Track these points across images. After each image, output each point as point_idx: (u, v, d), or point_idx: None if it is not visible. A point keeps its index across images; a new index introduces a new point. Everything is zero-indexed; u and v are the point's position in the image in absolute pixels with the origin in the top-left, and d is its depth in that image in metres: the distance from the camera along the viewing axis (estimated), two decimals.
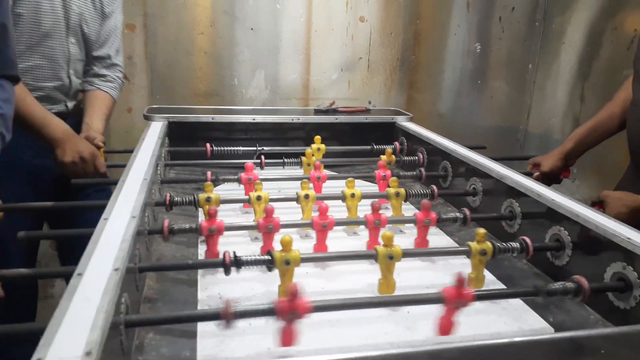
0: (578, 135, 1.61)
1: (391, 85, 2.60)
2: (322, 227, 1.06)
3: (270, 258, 0.84)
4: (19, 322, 0.66)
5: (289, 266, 0.85)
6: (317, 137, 1.61)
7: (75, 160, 1.42)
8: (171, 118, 1.72)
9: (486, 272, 1.04)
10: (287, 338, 0.67)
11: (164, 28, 2.28)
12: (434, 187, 1.31)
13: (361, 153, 1.75)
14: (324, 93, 2.51)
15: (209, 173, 1.34)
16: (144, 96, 2.32)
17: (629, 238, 0.85)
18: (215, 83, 2.39)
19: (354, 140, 1.80)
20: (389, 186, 1.28)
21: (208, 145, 1.60)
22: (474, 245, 0.93)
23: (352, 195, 1.21)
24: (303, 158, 1.54)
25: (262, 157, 1.56)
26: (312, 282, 0.96)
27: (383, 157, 1.54)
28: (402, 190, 1.24)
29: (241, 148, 1.63)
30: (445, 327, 0.73)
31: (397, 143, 1.77)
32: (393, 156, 1.57)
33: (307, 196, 1.19)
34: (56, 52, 1.57)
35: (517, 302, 0.92)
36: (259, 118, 1.82)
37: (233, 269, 0.85)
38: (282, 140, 1.86)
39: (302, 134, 1.86)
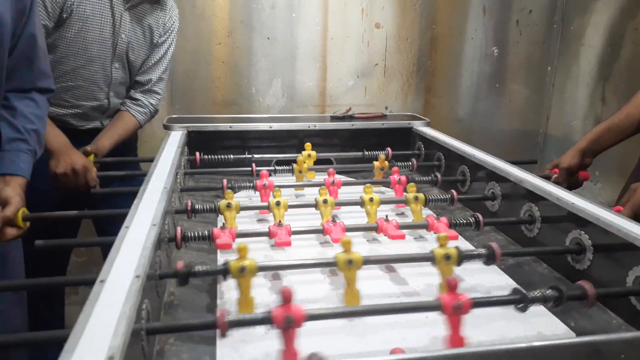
0: (593, 134, 1.58)
1: (408, 90, 2.59)
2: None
3: (225, 268, 0.83)
4: (47, 328, 0.68)
5: (243, 274, 0.83)
6: (308, 144, 1.61)
7: (67, 172, 1.45)
8: (190, 127, 1.75)
9: (506, 278, 1.03)
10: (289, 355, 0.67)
11: (182, 39, 2.32)
12: (454, 191, 1.30)
13: (354, 159, 1.74)
14: (341, 100, 2.52)
15: (224, 181, 1.35)
16: (164, 106, 2.36)
17: None
18: (233, 92, 2.42)
19: (370, 147, 1.80)
20: (406, 191, 1.28)
21: (198, 154, 1.61)
22: (437, 250, 0.90)
23: (371, 199, 1.21)
24: (295, 165, 1.53)
25: (275, 165, 1.56)
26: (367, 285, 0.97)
27: (376, 163, 1.54)
28: (421, 195, 1.24)
29: (255, 155, 1.65)
30: (455, 340, 0.71)
31: (389, 149, 1.74)
32: (386, 162, 1.57)
33: (325, 201, 1.20)
34: (98, 75, 1.62)
35: (539, 307, 0.90)
36: (276, 126, 1.83)
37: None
38: (299, 147, 1.87)
39: (319, 140, 1.87)
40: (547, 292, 0.76)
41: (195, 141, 1.75)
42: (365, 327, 0.82)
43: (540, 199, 1.12)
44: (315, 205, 1.20)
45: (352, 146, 1.85)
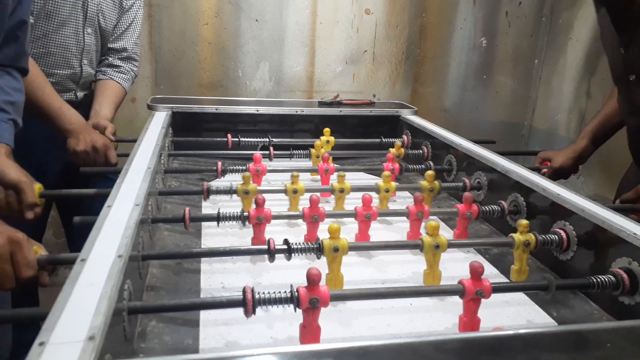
0: (590, 133, 1.56)
1: (396, 78, 2.58)
2: (366, 218, 1.06)
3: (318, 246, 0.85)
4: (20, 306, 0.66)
5: (337, 253, 0.85)
6: (327, 130, 1.61)
7: (87, 150, 1.43)
8: (175, 108, 1.71)
9: (489, 266, 1.04)
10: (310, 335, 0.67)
11: (169, 18, 2.27)
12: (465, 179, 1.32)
13: (369, 146, 1.75)
14: (329, 86, 2.50)
15: (219, 163, 1.33)
16: (148, 86, 2.32)
17: (635, 233, 0.84)
18: (219, 74, 2.38)
19: (358, 133, 1.80)
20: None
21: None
22: (517, 237, 0.94)
23: (387, 190, 1.22)
24: (312, 150, 1.54)
25: (271, 148, 1.55)
26: (354, 271, 0.97)
27: (392, 150, 1.54)
28: (436, 184, 1.26)
29: (246, 139, 1.63)
30: (468, 323, 0.74)
31: (405, 136, 1.76)
32: (402, 149, 1.58)
33: (342, 190, 1.20)
34: (70, 41, 1.58)
35: (521, 297, 0.91)
36: (263, 109, 1.81)
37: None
38: (286, 132, 1.85)
39: (306, 126, 1.85)
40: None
41: (180, 122, 1.71)
42: (350, 313, 0.82)
43: (527, 190, 1.13)
44: (332, 191, 1.21)
45: (340, 133, 1.84)
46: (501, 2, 2.60)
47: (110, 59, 1.72)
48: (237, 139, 1.61)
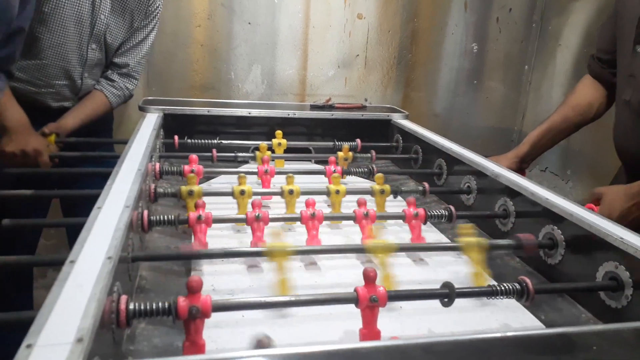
0: (533, 139, 1.62)
1: (388, 83, 2.60)
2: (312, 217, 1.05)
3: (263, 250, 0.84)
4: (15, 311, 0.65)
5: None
6: (279, 132, 1.60)
7: (15, 153, 1.41)
8: (167, 110, 1.71)
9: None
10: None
11: (161, 20, 2.24)
12: (426, 184, 1.31)
13: (323, 149, 1.72)
14: (321, 89, 2.51)
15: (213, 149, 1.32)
16: (140, 88, 2.30)
17: (621, 238, 0.85)
18: (211, 76, 2.38)
19: (349, 137, 1.80)
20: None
21: (177, 137, 1.57)
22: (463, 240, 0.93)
23: (337, 191, 1.20)
24: (257, 153, 1.50)
25: (214, 150, 1.49)
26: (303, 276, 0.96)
27: (340, 153, 1.53)
28: (387, 187, 1.24)
29: (236, 141, 1.63)
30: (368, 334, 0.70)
31: (358, 140, 1.72)
32: (350, 153, 1.55)
33: (291, 191, 1.18)
34: (73, 55, 1.59)
35: (509, 300, 0.92)
36: (255, 112, 1.81)
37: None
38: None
39: (298, 129, 1.86)
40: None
41: (172, 124, 1.71)
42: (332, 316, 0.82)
43: (516, 194, 1.14)
44: (281, 194, 1.19)
45: (331, 136, 1.85)
46: (492, 8, 2.63)
47: (109, 72, 1.73)
48: (228, 141, 1.61)
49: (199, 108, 1.79)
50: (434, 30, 2.61)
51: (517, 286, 0.78)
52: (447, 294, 0.74)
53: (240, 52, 2.38)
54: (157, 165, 1.30)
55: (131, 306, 0.66)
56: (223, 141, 1.58)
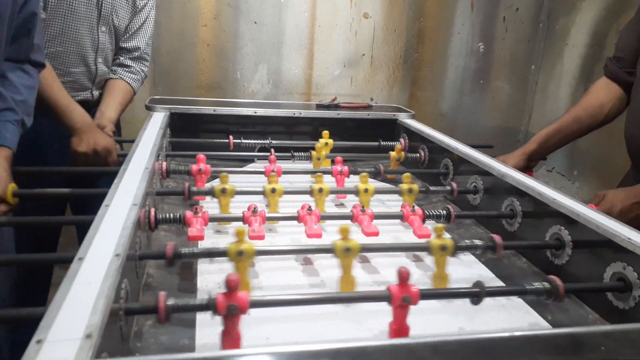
0: (541, 137, 1.61)
1: (394, 82, 2.59)
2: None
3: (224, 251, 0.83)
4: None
5: (241, 257, 0.83)
6: (325, 132, 1.61)
7: (88, 152, 1.43)
8: (173, 109, 1.72)
9: (485, 270, 1.04)
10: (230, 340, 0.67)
11: (168, 19, 2.27)
12: (454, 184, 1.32)
13: (368, 149, 1.75)
14: (326, 89, 2.51)
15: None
16: (146, 87, 2.32)
17: (629, 238, 0.85)
18: (217, 76, 2.39)
19: (355, 136, 1.80)
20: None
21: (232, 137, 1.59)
22: (433, 241, 0.91)
23: (366, 190, 1.21)
24: (313, 152, 1.54)
25: (272, 150, 1.54)
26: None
27: (392, 153, 1.55)
28: (415, 187, 1.25)
29: (245, 141, 1.63)
30: (398, 331, 0.72)
31: (402, 140, 1.77)
32: (402, 152, 1.58)
33: (320, 190, 1.19)
34: (85, 39, 1.60)
35: (517, 300, 0.92)
36: (261, 111, 1.81)
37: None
38: (283, 134, 1.85)
39: (304, 128, 1.86)
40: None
41: (178, 123, 1.72)
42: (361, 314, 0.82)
43: (523, 194, 1.13)
44: (310, 193, 1.20)
45: (337, 135, 1.84)
46: (499, 8, 2.62)
47: (121, 58, 1.74)
48: (239, 140, 1.62)
49: (205, 107, 1.79)
50: (441, 29, 2.60)
51: (547, 285, 0.79)
52: (477, 293, 0.76)
53: (247, 51, 2.38)
54: (164, 164, 1.30)
55: (169, 302, 0.66)
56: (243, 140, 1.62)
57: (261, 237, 1.00)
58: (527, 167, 1.59)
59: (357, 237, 0.90)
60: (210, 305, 0.65)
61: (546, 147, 1.62)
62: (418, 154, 1.65)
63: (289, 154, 1.56)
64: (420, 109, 2.50)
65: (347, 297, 0.81)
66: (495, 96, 2.74)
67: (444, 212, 1.14)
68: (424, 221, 1.12)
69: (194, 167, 1.30)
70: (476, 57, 2.66)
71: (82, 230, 1.78)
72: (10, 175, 1.06)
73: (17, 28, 1.12)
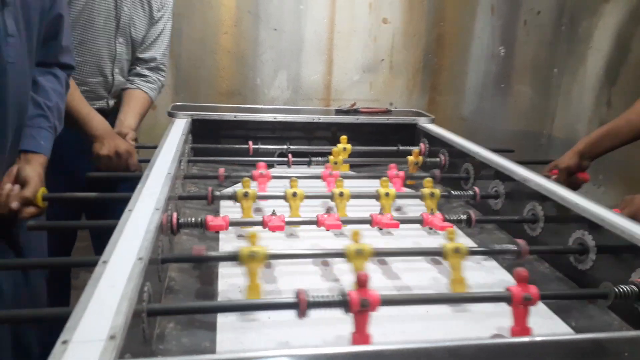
0: (592, 138, 1.58)
1: (413, 87, 2.59)
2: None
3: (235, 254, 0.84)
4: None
5: (253, 259, 0.83)
6: (343, 137, 1.61)
7: (110, 155, 1.47)
8: (195, 115, 1.74)
9: (507, 275, 1.03)
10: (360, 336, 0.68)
11: (189, 27, 2.31)
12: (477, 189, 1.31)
13: (386, 153, 1.75)
14: (346, 94, 2.51)
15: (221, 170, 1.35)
16: (169, 94, 2.36)
17: None
18: (238, 82, 2.41)
19: (374, 141, 1.80)
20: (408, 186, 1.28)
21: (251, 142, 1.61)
22: (446, 245, 0.90)
23: (387, 194, 1.21)
24: (330, 157, 1.55)
25: (290, 155, 1.56)
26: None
27: (410, 157, 1.54)
28: (436, 191, 1.24)
29: (262, 146, 1.65)
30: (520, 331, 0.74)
31: (422, 144, 1.76)
32: (420, 157, 1.58)
33: (341, 194, 1.20)
34: (103, 50, 1.63)
35: (539, 306, 0.90)
36: (281, 117, 1.83)
37: None
38: (303, 139, 1.87)
39: (323, 133, 1.87)
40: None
41: (199, 129, 1.74)
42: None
43: (545, 198, 1.12)
44: (331, 197, 1.20)
45: (356, 140, 1.85)
46: (520, 11, 2.59)
47: (138, 68, 1.76)
48: (257, 146, 1.64)
49: (226, 113, 1.81)
50: (460, 34, 2.59)
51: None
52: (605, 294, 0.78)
53: (266, 58, 2.40)
54: (222, 170, 1.36)
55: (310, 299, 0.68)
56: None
57: (281, 228, 1.02)
58: (580, 167, 1.56)
59: (374, 242, 0.90)
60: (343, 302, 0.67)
61: (597, 147, 1.57)
62: (438, 159, 1.64)
63: (307, 159, 1.57)
64: (440, 114, 2.48)
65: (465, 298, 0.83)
66: (517, 100, 2.71)
67: (464, 216, 1.13)
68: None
69: (256, 172, 1.33)
70: (497, 61, 2.64)
71: (96, 235, 1.83)
72: (42, 180, 1.09)
73: (45, 31, 1.14)
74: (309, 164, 1.57)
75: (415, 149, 1.62)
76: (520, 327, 0.73)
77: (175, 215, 1.00)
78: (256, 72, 2.41)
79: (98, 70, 1.65)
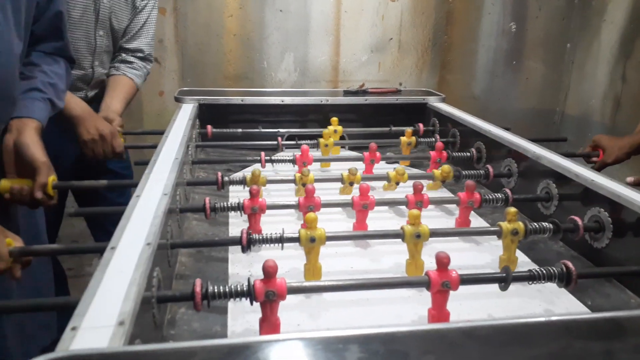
0: None
1: (423, 66, 2.54)
2: (363, 208, 1.05)
3: (279, 236, 0.85)
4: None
5: (314, 244, 0.84)
6: (334, 119, 1.59)
7: (95, 138, 1.44)
8: (202, 100, 1.73)
9: (521, 254, 1.02)
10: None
11: (194, 11, 2.28)
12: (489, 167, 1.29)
13: (378, 135, 1.69)
14: (354, 75, 2.48)
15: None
16: (175, 79, 2.34)
17: None
18: (244, 66, 2.39)
19: (384, 122, 1.77)
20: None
21: (210, 127, 1.60)
22: (505, 225, 0.90)
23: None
24: (320, 140, 1.51)
25: (279, 138, 1.53)
26: (342, 262, 0.96)
27: (403, 138, 1.51)
28: (446, 167, 1.25)
29: (267, 130, 1.63)
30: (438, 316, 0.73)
31: (420, 125, 1.72)
32: (414, 137, 1.54)
33: (352, 183, 1.21)
34: (81, 43, 1.58)
35: (553, 285, 0.89)
36: (288, 100, 1.81)
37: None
38: (311, 122, 1.85)
39: (332, 115, 1.84)
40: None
41: (207, 114, 1.73)
42: (327, 304, 0.82)
43: (559, 176, 1.09)
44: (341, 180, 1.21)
45: (365, 121, 1.83)
46: None
47: (123, 55, 1.71)
48: (263, 129, 1.62)
49: (233, 97, 1.80)
50: (470, 10, 2.53)
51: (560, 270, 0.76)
52: (504, 278, 0.76)
53: (273, 40, 2.37)
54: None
55: (210, 289, 0.67)
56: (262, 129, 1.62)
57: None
58: (626, 158, 1.49)
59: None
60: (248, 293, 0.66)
61: None
62: (449, 138, 1.61)
63: (315, 142, 1.53)
64: (451, 93, 2.44)
65: (384, 283, 0.78)
66: (529, 77, 2.66)
67: (502, 195, 1.11)
68: (480, 205, 1.09)
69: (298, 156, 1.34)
70: (508, 37, 2.58)
71: (92, 222, 1.82)
72: (51, 166, 1.07)
73: (47, 28, 1.13)
74: (317, 145, 1.55)
75: (409, 129, 1.58)
76: (437, 311, 0.73)
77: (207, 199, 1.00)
78: (262, 54, 2.39)
79: (77, 65, 1.60)
